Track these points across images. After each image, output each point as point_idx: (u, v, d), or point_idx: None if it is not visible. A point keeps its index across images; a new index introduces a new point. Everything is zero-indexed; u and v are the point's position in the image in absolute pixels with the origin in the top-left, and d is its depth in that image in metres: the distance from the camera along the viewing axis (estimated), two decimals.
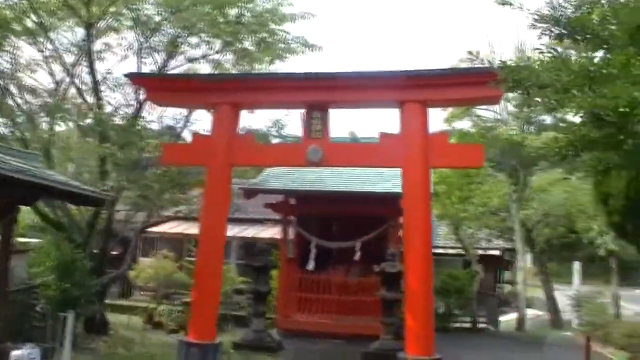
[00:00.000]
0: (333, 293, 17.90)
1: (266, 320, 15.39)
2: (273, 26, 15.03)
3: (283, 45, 15.59)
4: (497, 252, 31.95)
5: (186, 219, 25.42)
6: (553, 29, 7.92)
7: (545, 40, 8.21)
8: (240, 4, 14.16)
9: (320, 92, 10.91)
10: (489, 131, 23.46)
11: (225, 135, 11.01)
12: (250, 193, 17.72)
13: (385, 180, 19.18)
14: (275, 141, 14.94)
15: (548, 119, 24.13)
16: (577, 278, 27.92)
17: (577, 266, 28.42)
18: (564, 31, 7.86)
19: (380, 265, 14.37)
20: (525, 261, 43.31)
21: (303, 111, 11.10)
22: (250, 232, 22.44)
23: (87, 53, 14.07)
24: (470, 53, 8.46)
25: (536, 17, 8.16)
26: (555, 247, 31.11)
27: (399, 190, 18.84)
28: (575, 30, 7.76)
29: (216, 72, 15.03)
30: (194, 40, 15.20)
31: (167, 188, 14.32)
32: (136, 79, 11.88)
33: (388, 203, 19.39)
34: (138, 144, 13.16)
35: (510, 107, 24.48)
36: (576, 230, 30.15)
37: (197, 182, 13.65)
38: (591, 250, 33.43)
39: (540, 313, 29.56)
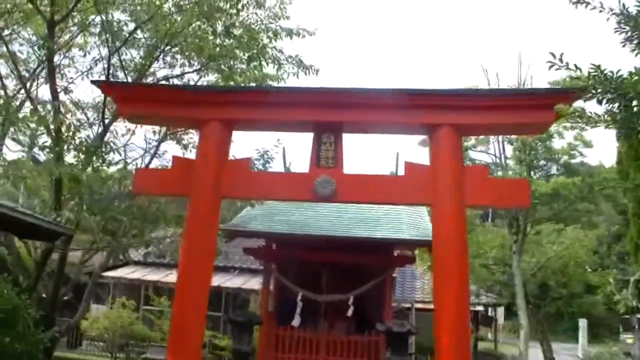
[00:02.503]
0: (321, 353, 15.95)
1: None
2: (265, 40, 13.26)
3: (274, 65, 13.85)
4: (481, 308, 30.89)
5: (145, 263, 23.79)
6: None
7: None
8: (230, 11, 12.33)
9: (332, 111, 9.07)
10: None
11: (213, 159, 9.06)
12: (229, 235, 15.73)
13: (382, 224, 17.54)
14: None
15: (554, 166, 23.07)
16: (582, 336, 26.36)
17: (582, 323, 26.95)
18: None
19: (385, 323, 12.49)
20: (500, 316, 42.11)
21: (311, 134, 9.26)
22: (232, 281, 20.71)
23: (47, 60, 12.20)
24: (552, 55, 6.82)
25: (621, 17, 6.51)
26: (552, 301, 29.92)
27: (397, 236, 17.55)
28: None
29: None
30: (171, 54, 13.39)
31: (137, 223, 12.21)
32: (106, 87, 9.88)
33: (385, 251, 17.82)
34: (102, 169, 11.14)
35: (509, 152, 23.18)
36: (571, 284, 29.17)
37: (176, 218, 11.64)
38: (594, 306, 32.30)
39: None
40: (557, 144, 22.34)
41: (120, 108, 9.65)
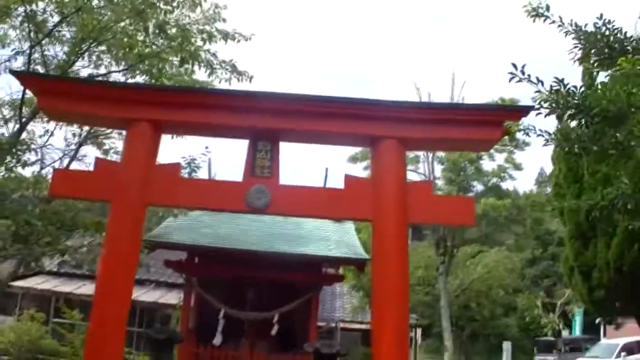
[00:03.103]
0: None
1: None
2: (199, 42, 12.66)
3: (207, 70, 13.26)
4: None
5: (57, 273, 22.54)
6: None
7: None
8: (165, 7, 11.67)
9: (269, 117, 8.57)
10: None
11: (140, 162, 8.41)
12: (150, 246, 14.93)
13: (311, 241, 17.09)
14: None
15: (479, 186, 23.21)
16: (506, 358, 26.48)
17: (507, 345, 27.09)
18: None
19: (312, 343, 12.01)
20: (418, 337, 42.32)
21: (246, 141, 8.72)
22: (149, 294, 19.80)
23: None
24: (514, 66, 6.53)
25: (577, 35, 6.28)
26: (469, 322, 30.11)
27: (327, 253, 17.15)
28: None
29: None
30: (98, 52, 12.61)
31: (52, 230, 11.32)
32: (26, 78, 9.04)
33: (313, 268, 17.38)
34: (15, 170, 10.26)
35: (438, 172, 23.25)
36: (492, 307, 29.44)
37: (95, 225, 10.81)
38: (508, 328, 32.65)
39: None
40: (488, 165, 22.54)
41: (40, 102, 8.83)
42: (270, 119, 8.55)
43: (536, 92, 7.15)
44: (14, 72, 9.01)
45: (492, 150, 21.11)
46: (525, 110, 8.25)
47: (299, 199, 8.64)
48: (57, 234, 11.52)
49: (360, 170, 22.99)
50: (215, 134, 9.35)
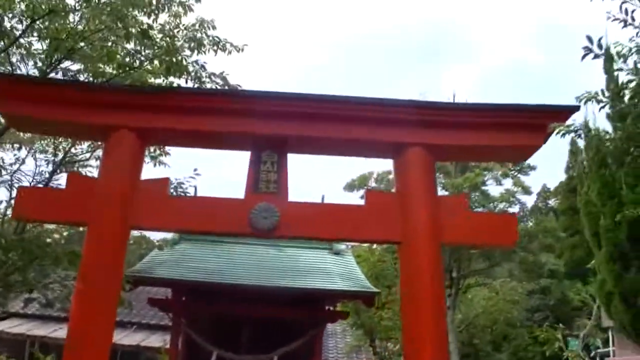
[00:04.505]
0: None
1: None
2: (187, 52, 11.43)
3: (195, 82, 12.03)
4: None
5: (31, 316, 21.17)
6: None
7: None
8: (150, 8, 10.46)
9: (275, 122, 7.37)
10: None
11: (121, 178, 7.12)
12: (132, 282, 13.56)
13: (312, 273, 15.78)
14: None
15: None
16: None
17: None
18: None
19: None
20: None
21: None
22: (130, 337, 18.40)
23: None
24: (589, 39, 5.32)
25: None
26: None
27: (331, 286, 15.82)
28: None
29: None
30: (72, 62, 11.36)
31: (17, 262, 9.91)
32: None
33: (315, 304, 16.04)
34: None
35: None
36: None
37: (68, 256, 9.40)
38: None
39: None
40: (494, 190, 21.45)
41: (1, 107, 7.50)
42: (275, 125, 7.36)
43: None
44: None
45: (498, 174, 20.12)
46: (573, 110, 7.20)
47: (313, 219, 7.35)
48: (25, 266, 10.07)
49: (358, 199, 21.69)
50: (211, 144, 8.05)
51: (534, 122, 7.36)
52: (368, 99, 7.46)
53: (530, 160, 27.16)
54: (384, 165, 27.65)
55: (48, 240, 10.89)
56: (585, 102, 7.14)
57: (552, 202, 42.28)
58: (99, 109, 7.24)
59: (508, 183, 21.63)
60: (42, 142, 13.98)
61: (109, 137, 7.25)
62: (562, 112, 7.29)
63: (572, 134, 7.30)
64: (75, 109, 7.22)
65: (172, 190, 11.73)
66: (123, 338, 20.65)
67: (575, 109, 7.25)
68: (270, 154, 7.43)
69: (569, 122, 7.25)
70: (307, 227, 7.37)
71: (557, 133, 7.18)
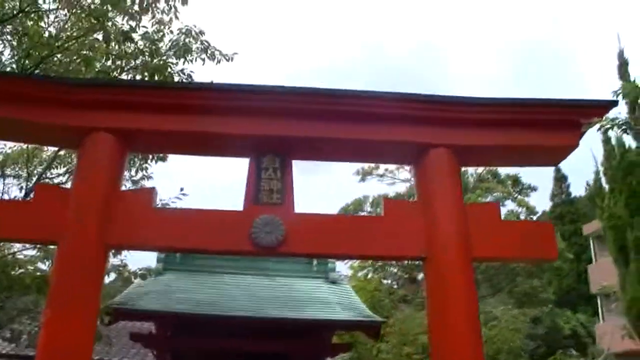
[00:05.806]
0: None
1: None
2: (173, 59, 10.48)
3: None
4: None
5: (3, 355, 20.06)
6: None
7: None
8: (133, 8, 9.53)
9: (278, 122, 6.42)
10: None
11: (99, 188, 6.09)
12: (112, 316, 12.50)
13: (309, 303, 14.74)
14: None
15: None
16: None
17: None
18: None
19: None
20: None
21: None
22: None
23: None
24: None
25: None
26: None
27: (333, 317, 14.77)
28: None
29: None
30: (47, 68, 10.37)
31: None
32: None
33: (314, 336, 14.96)
34: None
35: None
36: None
37: (38, 282, 8.31)
38: None
39: None
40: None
41: None
42: (278, 124, 6.40)
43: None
44: None
45: (500, 194, 19.31)
46: (610, 105, 6.46)
47: (323, 233, 6.32)
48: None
49: None
50: (203, 149, 6.99)
51: (568, 118, 6.50)
52: (384, 93, 6.52)
53: (530, 181, 27.02)
54: (379, 189, 26.76)
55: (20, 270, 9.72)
56: (624, 97, 6.43)
57: None
58: (72, 108, 6.22)
59: (510, 205, 20.88)
60: (15, 166, 13.03)
61: (85, 140, 6.21)
62: (599, 108, 6.50)
63: (617, 129, 6.52)
64: (45, 108, 6.20)
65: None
66: None
67: (613, 104, 6.52)
68: (273, 159, 6.46)
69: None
70: (317, 243, 6.33)
71: (600, 128, 6.37)
